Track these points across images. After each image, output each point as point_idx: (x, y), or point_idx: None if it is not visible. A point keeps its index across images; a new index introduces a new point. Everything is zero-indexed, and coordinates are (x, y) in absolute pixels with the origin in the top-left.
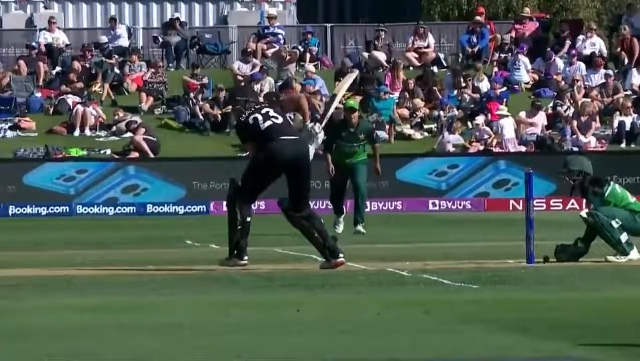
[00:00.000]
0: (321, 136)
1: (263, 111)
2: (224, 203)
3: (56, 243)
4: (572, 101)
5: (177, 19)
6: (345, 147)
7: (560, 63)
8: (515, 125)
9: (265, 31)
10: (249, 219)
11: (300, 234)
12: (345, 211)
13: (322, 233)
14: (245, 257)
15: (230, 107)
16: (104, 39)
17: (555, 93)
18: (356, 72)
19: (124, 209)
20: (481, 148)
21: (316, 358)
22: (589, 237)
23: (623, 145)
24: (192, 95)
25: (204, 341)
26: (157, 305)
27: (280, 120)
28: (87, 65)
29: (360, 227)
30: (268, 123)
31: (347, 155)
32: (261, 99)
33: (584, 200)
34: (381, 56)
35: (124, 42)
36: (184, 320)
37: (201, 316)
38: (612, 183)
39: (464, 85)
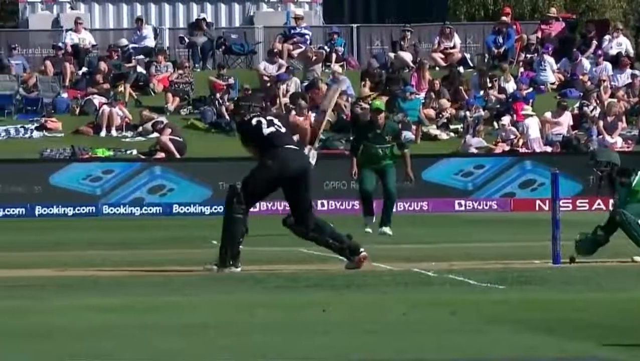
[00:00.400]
0: (314, 160)
1: (267, 117)
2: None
3: (82, 244)
4: (598, 101)
5: (204, 19)
6: (372, 148)
7: (586, 63)
8: (540, 125)
9: (292, 32)
10: (245, 227)
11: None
12: (374, 213)
13: (336, 237)
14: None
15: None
16: (123, 41)
17: (582, 94)
18: (341, 85)
19: (150, 209)
20: (507, 148)
21: (341, 359)
22: (611, 228)
23: None
24: (218, 95)
25: (228, 341)
26: (181, 305)
27: (283, 129)
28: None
29: (386, 229)
30: (271, 129)
31: (375, 156)
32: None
33: (613, 193)
34: (407, 56)
35: (150, 42)
36: (208, 320)
37: (226, 316)
38: (639, 172)
39: (490, 85)
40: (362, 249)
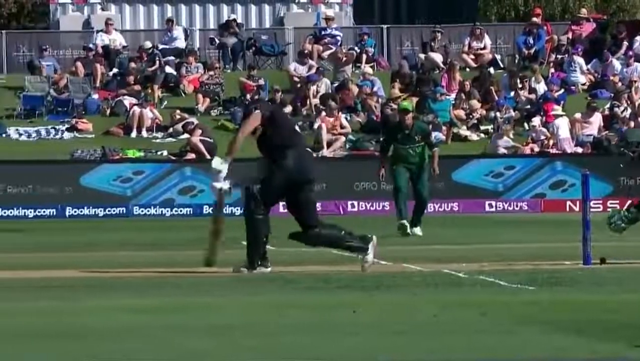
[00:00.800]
0: (224, 173)
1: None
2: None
3: (112, 245)
4: (629, 102)
5: (234, 20)
6: (402, 150)
7: (617, 64)
8: (569, 125)
9: (322, 32)
10: (268, 226)
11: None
12: (408, 215)
13: (346, 233)
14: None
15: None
16: (148, 44)
17: (612, 95)
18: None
19: (180, 210)
20: (536, 149)
21: (371, 360)
22: None
23: None
24: (248, 96)
25: (256, 342)
26: (210, 306)
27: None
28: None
29: (417, 230)
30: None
31: (405, 157)
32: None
33: None
34: (437, 57)
35: (180, 43)
36: (237, 321)
37: (255, 317)
38: None
39: (520, 86)
40: (369, 235)
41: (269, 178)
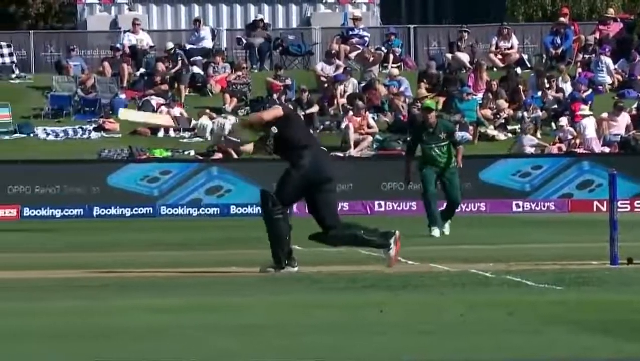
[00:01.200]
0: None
1: None
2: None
3: (140, 244)
4: None
5: (261, 20)
6: (428, 150)
7: None
8: (596, 125)
9: (350, 32)
10: (289, 224)
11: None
12: (439, 219)
13: (367, 230)
14: (296, 264)
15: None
16: (169, 44)
17: None
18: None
19: (207, 210)
20: (564, 149)
21: (398, 359)
22: None
23: None
24: (275, 96)
25: (284, 342)
26: (238, 305)
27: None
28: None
29: (446, 226)
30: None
31: (433, 159)
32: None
33: None
34: (464, 57)
35: (207, 43)
36: (265, 321)
37: (282, 317)
38: None
39: (547, 86)
40: (393, 230)
41: (286, 178)
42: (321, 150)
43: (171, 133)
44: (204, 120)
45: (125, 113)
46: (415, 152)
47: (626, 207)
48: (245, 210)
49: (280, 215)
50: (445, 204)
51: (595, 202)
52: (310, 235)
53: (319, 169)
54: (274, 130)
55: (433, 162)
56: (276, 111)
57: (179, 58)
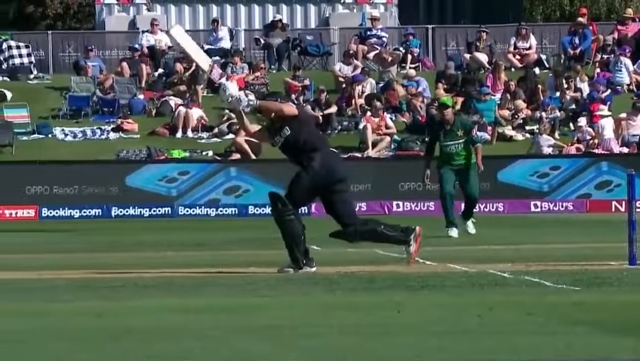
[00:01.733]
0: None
1: None
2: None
3: (158, 245)
4: None
5: (279, 20)
6: (446, 147)
7: None
8: (614, 125)
9: (368, 33)
10: (302, 224)
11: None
12: (456, 223)
13: (387, 226)
14: (314, 265)
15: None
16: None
17: None
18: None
19: (225, 210)
20: (582, 149)
21: (416, 360)
22: None
23: None
24: (293, 96)
25: (303, 342)
26: (257, 306)
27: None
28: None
29: (469, 225)
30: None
31: (451, 157)
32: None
33: None
34: (483, 57)
35: (226, 43)
36: (284, 322)
37: (301, 317)
38: None
39: (565, 86)
40: (413, 226)
41: (296, 180)
42: (331, 151)
43: (189, 133)
44: (231, 87)
45: (176, 31)
46: (434, 151)
47: None
48: (263, 210)
49: (291, 216)
50: (464, 202)
51: (614, 202)
52: (330, 233)
53: (329, 171)
54: (287, 130)
55: (451, 160)
56: (293, 109)
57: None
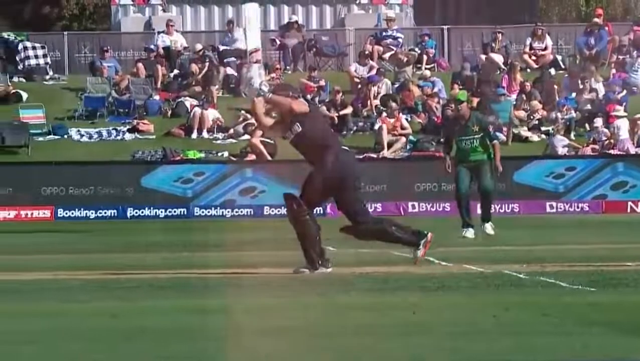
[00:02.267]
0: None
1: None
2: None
3: (173, 245)
4: None
5: (295, 21)
6: (461, 143)
7: None
8: (630, 126)
9: (383, 33)
10: (317, 224)
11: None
12: (472, 223)
13: (398, 227)
14: (330, 265)
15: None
16: (198, 46)
17: None
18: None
19: (241, 211)
20: (598, 150)
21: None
22: None
23: None
24: (309, 97)
25: (319, 343)
26: (272, 306)
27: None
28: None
29: (488, 226)
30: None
31: (465, 152)
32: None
33: None
34: (498, 58)
35: (241, 44)
36: (299, 322)
37: (316, 318)
38: None
39: (581, 87)
40: (426, 231)
41: (310, 180)
42: (343, 149)
43: (205, 134)
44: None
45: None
46: (452, 145)
47: None
48: (279, 211)
49: (307, 216)
50: (480, 200)
51: (630, 203)
52: (341, 228)
53: (341, 169)
54: (298, 127)
55: (467, 156)
56: (304, 106)
57: (207, 60)
